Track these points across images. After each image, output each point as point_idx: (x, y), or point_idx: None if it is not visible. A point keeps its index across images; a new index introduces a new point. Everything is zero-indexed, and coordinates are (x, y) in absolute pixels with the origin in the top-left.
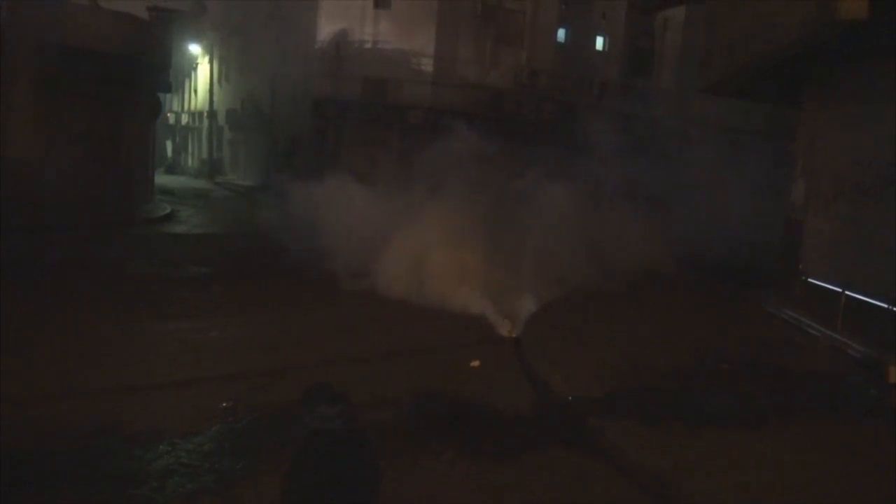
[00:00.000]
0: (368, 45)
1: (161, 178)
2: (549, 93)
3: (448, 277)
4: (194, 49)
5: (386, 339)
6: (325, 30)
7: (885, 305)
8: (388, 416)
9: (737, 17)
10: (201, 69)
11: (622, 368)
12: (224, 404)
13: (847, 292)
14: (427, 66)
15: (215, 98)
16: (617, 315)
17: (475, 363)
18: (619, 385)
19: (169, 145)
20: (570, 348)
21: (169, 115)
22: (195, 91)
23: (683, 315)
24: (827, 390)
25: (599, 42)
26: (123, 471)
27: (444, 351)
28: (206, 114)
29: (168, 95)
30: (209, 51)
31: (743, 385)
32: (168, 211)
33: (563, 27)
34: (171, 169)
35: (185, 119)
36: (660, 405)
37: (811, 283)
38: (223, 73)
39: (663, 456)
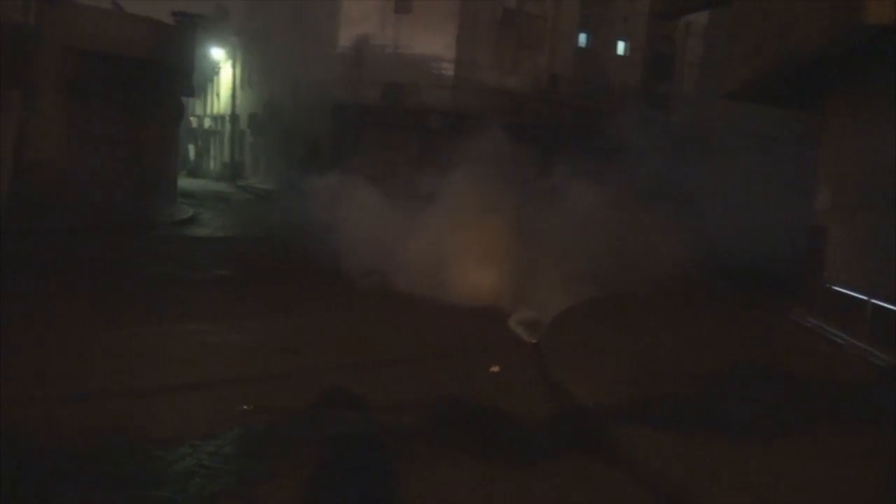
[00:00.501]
0: (389, 50)
1: (183, 181)
2: (569, 98)
3: (468, 280)
4: (217, 53)
5: (405, 343)
6: (346, 34)
7: None
8: (406, 421)
9: (760, 21)
10: (224, 73)
11: (642, 375)
12: (244, 407)
13: (873, 300)
14: (447, 70)
15: (237, 102)
16: (637, 320)
17: (495, 368)
18: (640, 392)
19: (191, 149)
20: (590, 354)
21: (192, 118)
22: (218, 95)
23: (705, 322)
24: (851, 400)
25: (621, 47)
26: (144, 472)
27: (464, 355)
28: (228, 118)
29: (191, 99)
30: (232, 55)
31: (765, 394)
32: (190, 214)
33: (584, 32)
34: (194, 172)
35: (207, 123)
36: (681, 413)
37: (836, 290)
38: (245, 78)
39: (683, 465)
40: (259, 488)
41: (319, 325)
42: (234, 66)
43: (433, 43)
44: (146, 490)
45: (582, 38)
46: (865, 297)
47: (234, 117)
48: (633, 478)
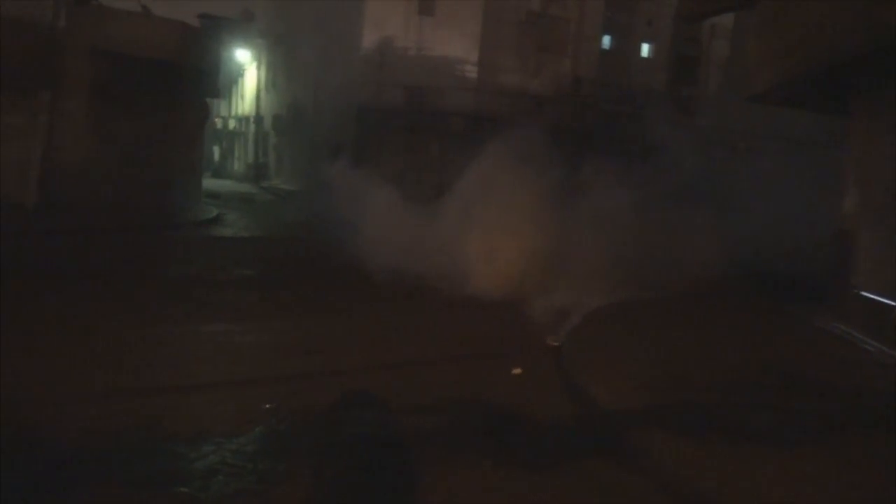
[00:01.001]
0: (412, 53)
1: (208, 182)
2: (592, 101)
3: (490, 282)
4: (242, 55)
5: (427, 343)
6: (370, 37)
7: None
8: (426, 423)
9: (786, 24)
10: (249, 75)
11: (664, 380)
12: (266, 406)
13: None
14: (470, 73)
15: (262, 104)
16: (660, 325)
17: (516, 371)
18: (662, 398)
19: (216, 150)
20: (611, 358)
21: (217, 120)
22: (242, 97)
23: (729, 327)
24: (879, 408)
25: (645, 49)
26: (168, 469)
27: (485, 357)
28: (252, 119)
29: (216, 101)
30: (257, 57)
31: (790, 401)
32: (214, 214)
33: (608, 34)
34: (218, 173)
35: (232, 124)
36: (703, 419)
37: (864, 296)
38: (270, 80)
39: (705, 472)
40: (280, 487)
41: (342, 325)
42: (258, 68)
43: (456, 45)
44: (170, 487)
45: (606, 41)
46: (895, 304)
47: (258, 119)
48: (654, 484)
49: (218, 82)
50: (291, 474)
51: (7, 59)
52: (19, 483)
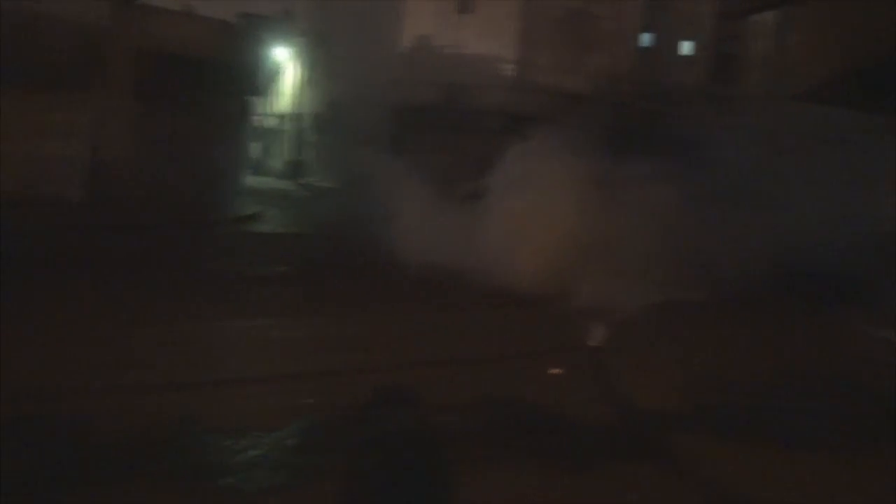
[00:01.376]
0: (451, 50)
1: (247, 179)
2: (631, 99)
3: (529, 281)
4: (282, 54)
5: (464, 342)
6: (409, 35)
7: None
8: (464, 422)
9: (833, 22)
10: (288, 73)
11: (707, 383)
12: (304, 402)
13: None
14: (509, 71)
15: (300, 102)
16: (702, 327)
17: (555, 370)
18: (704, 400)
19: (255, 147)
20: (653, 360)
21: (256, 117)
22: (281, 95)
23: (775, 330)
24: None
25: (686, 47)
26: (210, 462)
27: (524, 356)
28: (291, 117)
29: (256, 98)
30: (296, 56)
31: (835, 406)
32: (254, 211)
33: (647, 32)
34: (258, 170)
35: (271, 122)
36: (746, 423)
37: None
38: (309, 78)
39: (747, 475)
40: (319, 482)
41: (379, 322)
42: (297, 67)
43: (494, 43)
44: (212, 479)
45: (646, 38)
46: None
47: (296, 117)
48: (695, 486)
49: (258, 80)
50: (331, 469)
51: (54, 58)
52: (65, 472)
